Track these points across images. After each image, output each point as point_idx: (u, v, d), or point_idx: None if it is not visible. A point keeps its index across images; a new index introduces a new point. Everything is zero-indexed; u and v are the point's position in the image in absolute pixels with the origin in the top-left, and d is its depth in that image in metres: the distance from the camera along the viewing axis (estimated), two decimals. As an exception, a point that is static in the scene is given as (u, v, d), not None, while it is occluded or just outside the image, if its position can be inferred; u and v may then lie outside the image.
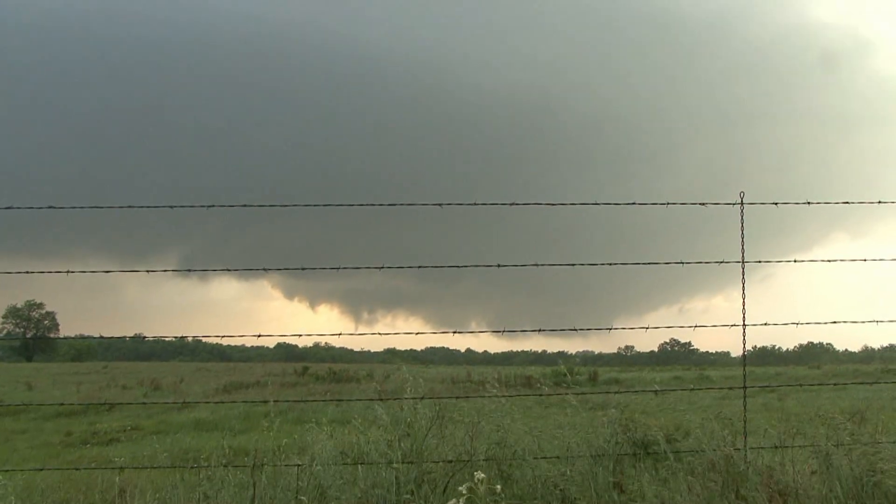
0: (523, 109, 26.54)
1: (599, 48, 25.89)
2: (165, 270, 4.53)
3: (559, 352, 33.14)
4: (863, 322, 4.93)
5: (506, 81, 25.70)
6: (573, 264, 4.53)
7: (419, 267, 4.58)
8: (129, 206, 4.19)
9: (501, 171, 29.04)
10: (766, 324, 4.76)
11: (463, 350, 39.05)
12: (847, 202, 5.29)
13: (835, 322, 4.93)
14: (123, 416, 12.47)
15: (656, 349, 35.47)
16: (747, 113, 29.09)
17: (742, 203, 4.47)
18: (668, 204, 4.85)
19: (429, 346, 39.71)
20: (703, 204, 4.66)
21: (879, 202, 5.27)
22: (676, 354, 33.97)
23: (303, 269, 4.33)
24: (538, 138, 28.26)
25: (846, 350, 33.41)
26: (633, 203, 4.81)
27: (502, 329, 4.91)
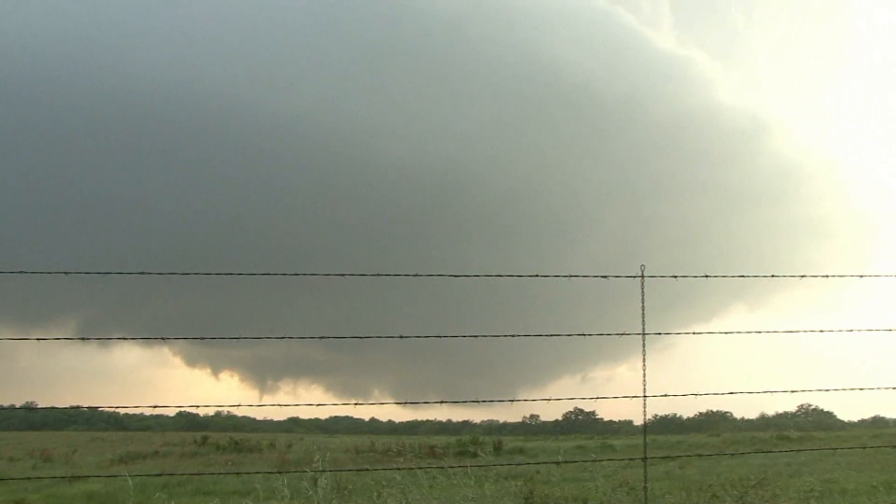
0: (437, 181, 27.11)
1: (515, 122, 26.90)
2: (57, 339, 4.37)
3: (464, 421, 33.06)
4: (758, 392, 5.09)
5: (420, 152, 26.28)
6: (476, 336, 4.54)
7: (321, 338, 4.53)
8: (22, 272, 4.05)
9: (412, 242, 29.25)
10: (665, 395, 4.86)
11: (367, 419, 38.44)
12: (742, 276, 5.49)
13: (731, 393, 5.07)
14: (10, 491, 11.77)
15: (560, 418, 35.66)
16: (654, 188, 30.42)
17: (643, 276, 4.57)
18: (570, 276, 4.89)
19: (333, 414, 38.86)
20: (605, 276, 4.75)
21: (773, 276, 5.50)
22: (581, 423, 34.30)
23: (202, 338, 4.23)
24: (450, 209, 28.82)
25: (744, 418, 34.16)
26: (536, 275, 4.86)
27: (405, 401, 4.85)
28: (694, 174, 31.71)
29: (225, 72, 25.58)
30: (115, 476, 12.52)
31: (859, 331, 5.39)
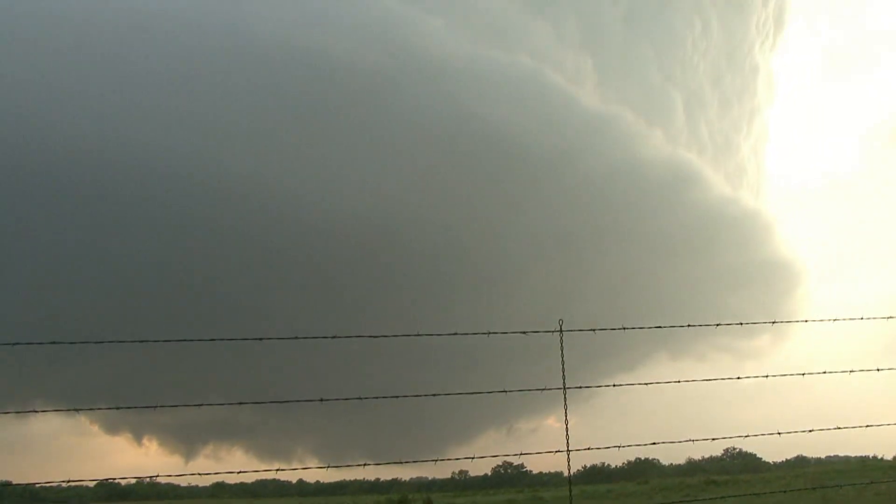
0: (362, 237, 27.18)
1: (444, 178, 27.23)
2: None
3: (393, 479, 32.73)
4: (680, 442, 5.33)
5: (346, 209, 26.31)
6: (397, 396, 4.67)
7: (240, 403, 4.61)
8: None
9: (335, 301, 29.19)
10: (589, 448, 5.06)
11: (294, 481, 37.62)
12: (659, 326, 5.76)
13: (654, 443, 5.30)
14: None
15: (489, 472, 35.59)
16: (580, 241, 31.08)
17: (561, 330, 4.77)
18: (489, 333, 5.03)
19: (259, 478, 37.91)
20: (525, 332, 4.94)
21: (689, 325, 5.79)
22: (510, 477, 34.26)
23: (118, 408, 4.33)
24: (374, 267, 28.94)
25: (672, 464, 34.64)
26: (455, 333, 5.01)
27: (328, 465, 4.94)
28: (618, 226, 32.45)
29: (138, 130, 25.49)
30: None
31: (774, 376, 5.71)
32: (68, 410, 4.44)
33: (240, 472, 4.44)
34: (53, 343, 4.29)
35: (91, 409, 4.49)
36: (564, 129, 29.89)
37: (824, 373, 5.62)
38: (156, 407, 4.36)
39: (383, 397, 4.81)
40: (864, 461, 25.89)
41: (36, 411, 4.48)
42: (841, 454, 30.89)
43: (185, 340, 4.56)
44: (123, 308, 27.14)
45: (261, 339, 4.76)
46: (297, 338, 4.77)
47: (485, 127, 28.62)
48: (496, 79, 28.48)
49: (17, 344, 4.22)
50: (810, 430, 5.52)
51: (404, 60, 26.04)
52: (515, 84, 28.77)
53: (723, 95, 39.64)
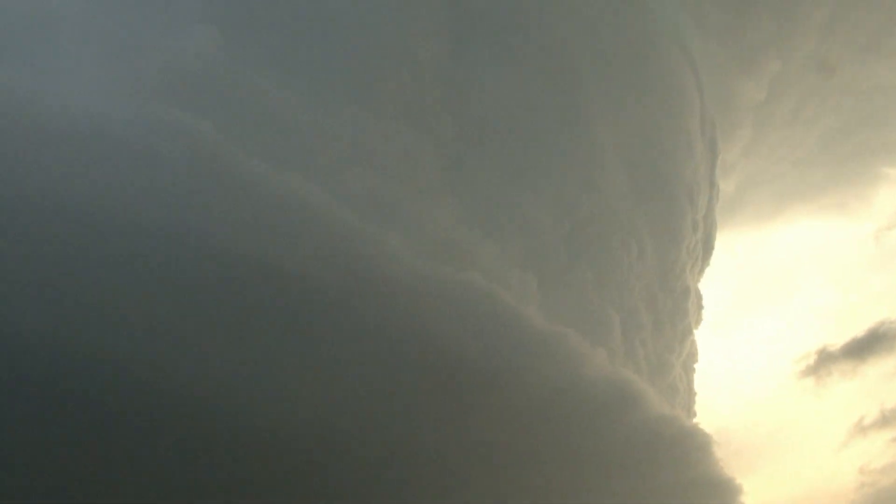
0: (301, 445, 26.46)
1: (387, 390, 27.03)
2: None
3: None
4: None
5: (287, 419, 25.81)
6: None
7: None
8: None
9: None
10: None
11: None
12: None
13: None
14: None
15: None
16: (520, 460, 30.91)
17: None
18: None
19: None
20: None
21: None
22: None
23: None
24: (312, 474, 28.04)
25: None
26: None
27: None
28: (561, 444, 32.26)
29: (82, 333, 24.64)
30: None
31: None
32: None
33: None
34: None
35: None
36: (511, 346, 30.17)
37: None
38: None
39: None
40: None
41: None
42: None
43: None
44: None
45: None
46: None
47: (434, 342, 28.67)
48: (446, 294, 28.85)
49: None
50: None
51: (359, 276, 26.24)
52: (465, 300, 29.16)
53: (656, 316, 40.93)
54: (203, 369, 26.38)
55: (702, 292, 46.49)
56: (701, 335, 48.32)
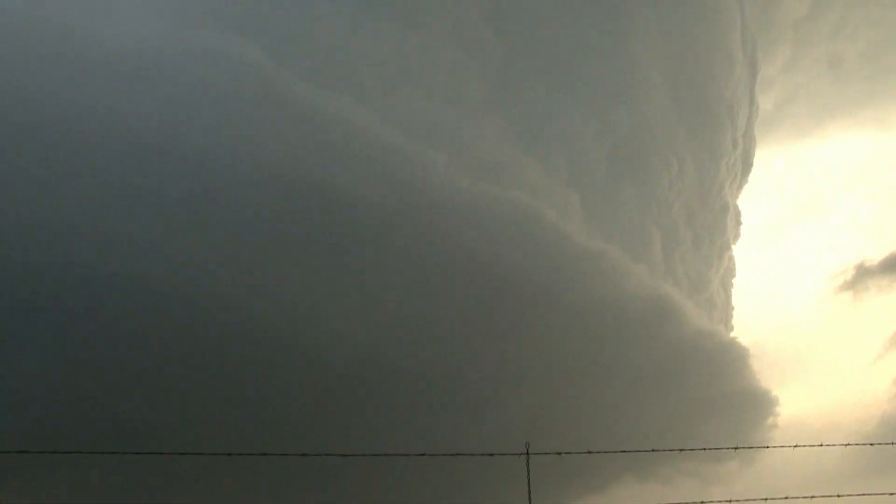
0: (351, 365, 27.31)
1: (436, 309, 27.69)
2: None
3: None
4: None
5: (336, 338, 26.56)
6: None
7: None
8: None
9: (319, 423, 29.00)
10: None
11: None
12: (624, 451, 5.96)
13: None
14: None
15: None
16: (563, 369, 31.62)
17: (528, 453, 4.91)
18: (457, 454, 5.15)
19: None
20: (491, 455, 5.07)
21: (653, 450, 6.01)
22: None
23: None
24: (360, 391, 28.98)
25: None
26: (423, 454, 5.11)
27: None
28: (600, 357, 33.05)
29: (142, 256, 25.52)
30: None
31: (737, 501, 5.87)
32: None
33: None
34: (54, 453, 4.34)
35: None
36: (555, 263, 30.65)
37: (786, 498, 5.82)
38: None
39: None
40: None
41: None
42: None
43: (153, 453, 4.60)
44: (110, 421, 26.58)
45: (229, 454, 4.81)
46: (263, 454, 4.84)
47: (479, 260, 29.19)
48: (493, 213, 29.23)
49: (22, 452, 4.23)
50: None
51: (406, 197, 26.68)
52: (511, 219, 29.54)
53: (695, 232, 41.19)
54: (254, 290, 27.31)
55: (740, 208, 46.72)
56: (739, 251, 48.72)
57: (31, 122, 22.82)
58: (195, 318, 25.08)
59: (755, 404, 39.76)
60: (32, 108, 22.69)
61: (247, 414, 28.67)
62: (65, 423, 24.56)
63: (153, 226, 24.78)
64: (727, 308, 44.65)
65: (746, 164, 45.08)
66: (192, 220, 24.59)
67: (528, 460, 4.78)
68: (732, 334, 43.96)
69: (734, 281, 46.63)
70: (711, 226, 42.41)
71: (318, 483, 25.03)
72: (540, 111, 33.93)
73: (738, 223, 45.75)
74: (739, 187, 45.58)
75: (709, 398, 37.60)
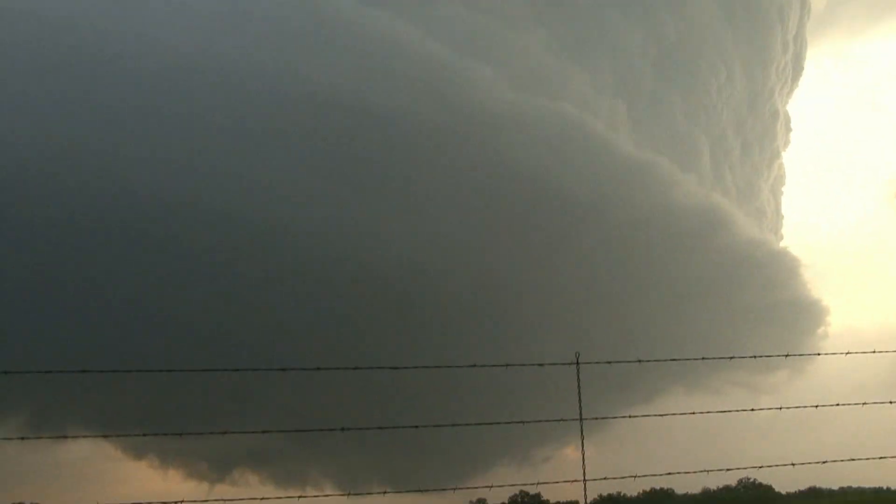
0: (404, 280, 27.61)
1: (485, 225, 27.66)
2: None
3: (411, 506, 32.39)
4: (695, 472, 5.51)
5: (388, 254, 26.80)
6: (416, 426, 4.82)
7: (263, 431, 4.76)
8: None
9: (372, 336, 29.55)
10: (605, 478, 5.24)
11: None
12: (674, 359, 5.98)
13: (669, 473, 5.48)
14: None
15: (506, 501, 35.44)
16: (614, 282, 31.69)
17: (578, 363, 4.96)
18: (507, 365, 5.21)
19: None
20: (542, 364, 5.13)
21: (703, 358, 6.02)
22: (527, 506, 33.97)
23: (144, 435, 4.45)
24: (412, 306, 29.38)
25: (688, 493, 34.55)
26: (474, 365, 5.19)
27: (349, 492, 5.09)
28: (649, 268, 32.88)
29: (199, 175, 25.81)
30: None
31: (788, 408, 5.89)
32: (96, 437, 4.56)
33: (262, 498, 4.50)
34: (84, 371, 4.38)
35: (119, 436, 4.63)
36: (603, 175, 30.33)
37: (837, 405, 5.82)
38: (181, 434, 4.48)
39: (402, 427, 4.94)
40: (878, 492, 25.89)
41: (66, 437, 4.62)
42: (855, 485, 31.09)
43: (206, 370, 4.71)
44: (173, 335, 27.39)
45: (284, 369, 4.87)
46: (317, 369, 4.90)
47: (527, 175, 28.98)
48: (540, 126, 28.90)
49: (50, 372, 4.31)
50: (824, 462, 5.71)
51: (454, 112, 26.45)
52: (558, 132, 29.19)
53: (745, 140, 40.42)
54: (306, 212, 27.57)
55: (790, 114, 45.60)
56: (789, 158, 47.66)
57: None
58: (264, 243, 25.63)
59: (806, 314, 39.45)
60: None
61: (308, 329, 29.28)
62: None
63: (207, 150, 25.11)
64: (777, 217, 44.11)
65: (797, 69, 43.80)
66: (235, 140, 24.94)
67: (577, 370, 4.82)
68: (783, 243, 43.55)
69: (784, 189, 45.83)
70: (761, 133, 41.54)
71: (376, 394, 25.57)
72: (585, 21, 33.22)
73: (789, 129, 44.71)
74: (790, 92, 44.42)
75: (759, 308, 37.40)
